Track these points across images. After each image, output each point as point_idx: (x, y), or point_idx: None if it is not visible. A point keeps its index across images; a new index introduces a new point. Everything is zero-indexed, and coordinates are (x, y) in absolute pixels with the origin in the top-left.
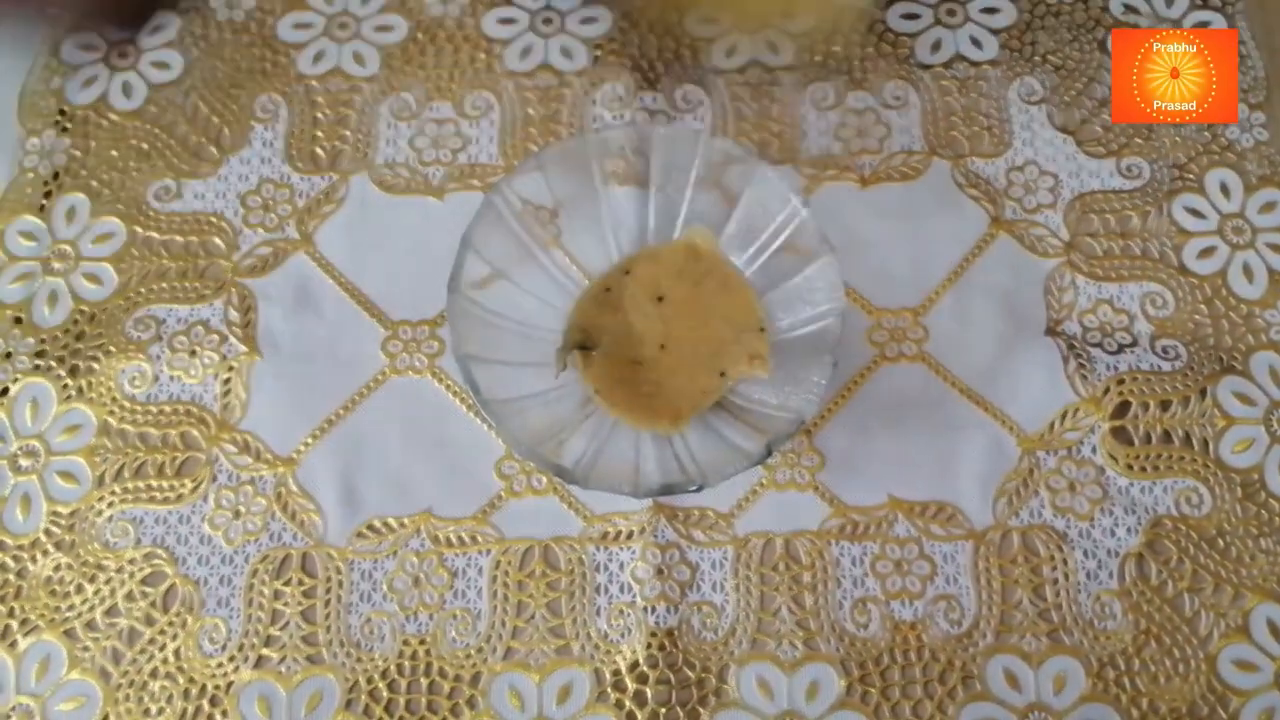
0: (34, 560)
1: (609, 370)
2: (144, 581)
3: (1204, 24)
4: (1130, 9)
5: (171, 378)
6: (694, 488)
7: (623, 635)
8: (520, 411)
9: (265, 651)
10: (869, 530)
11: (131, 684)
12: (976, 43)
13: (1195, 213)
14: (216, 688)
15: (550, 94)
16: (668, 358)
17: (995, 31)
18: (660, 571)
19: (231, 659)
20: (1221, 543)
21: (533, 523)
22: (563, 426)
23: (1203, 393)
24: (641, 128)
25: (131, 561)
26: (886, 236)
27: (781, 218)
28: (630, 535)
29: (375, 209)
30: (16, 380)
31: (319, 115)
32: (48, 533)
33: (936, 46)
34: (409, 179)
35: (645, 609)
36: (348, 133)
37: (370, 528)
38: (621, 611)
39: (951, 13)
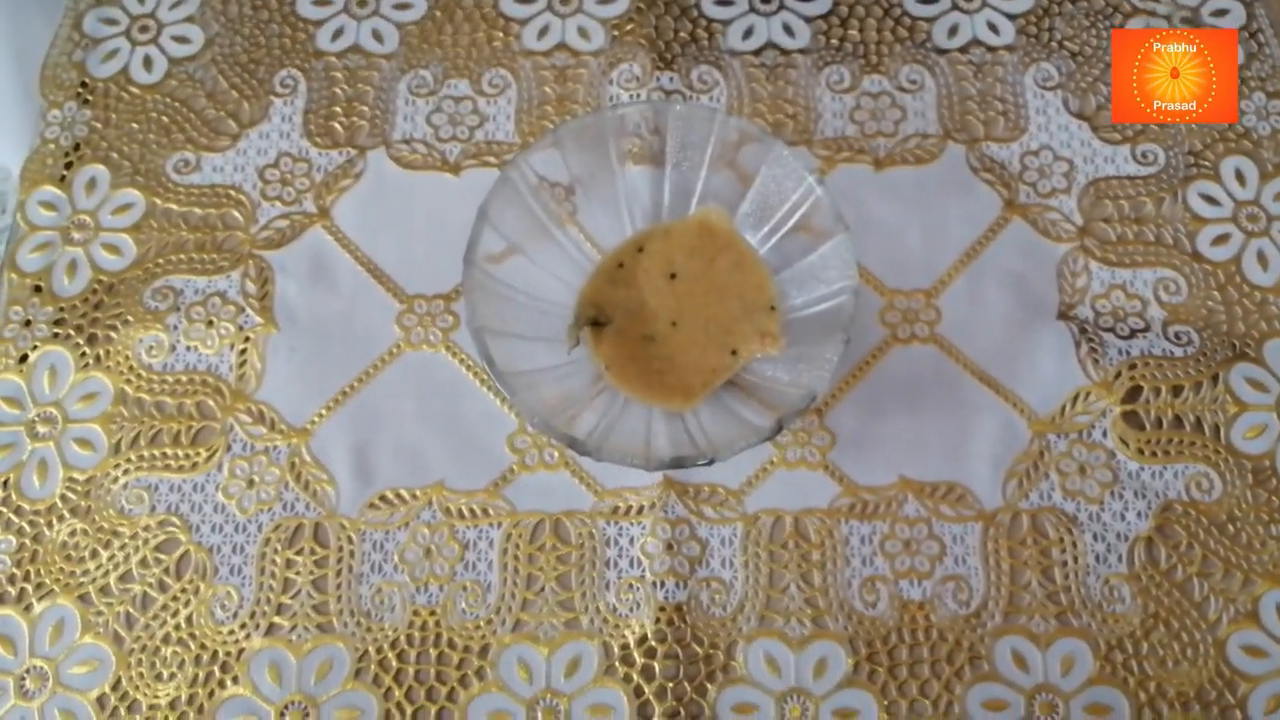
0: (50, 525)
1: (620, 347)
2: (158, 548)
3: (1223, 11)
4: None
5: (188, 348)
6: (704, 461)
7: (632, 609)
8: (533, 385)
9: (276, 619)
10: (879, 509)
11: (144, 649)
12: (993, 28)
13: (1210, 199)
14: (228, 654)
15: (567, 73)
16: (679, 335)
17: (1012, 17)
18: (670, 547)
19: (243, 626)
20: (1232, 528)
21: (544, 496)
22: (574, 402)
23: (1215, 378)
24: (658, 105)
25: (146, 528)
26: (900, 219)
27: (796, 196)
28: (641, 510)
29: (392, 184)
30: (35, 348)
31: (337, 91)
32: (64, 498)
33: (953, 31)
34: (426, 155)
35: (654, 584)
36: (366, 109)
37: (382, 499)
38: (631, 586)
39: None
